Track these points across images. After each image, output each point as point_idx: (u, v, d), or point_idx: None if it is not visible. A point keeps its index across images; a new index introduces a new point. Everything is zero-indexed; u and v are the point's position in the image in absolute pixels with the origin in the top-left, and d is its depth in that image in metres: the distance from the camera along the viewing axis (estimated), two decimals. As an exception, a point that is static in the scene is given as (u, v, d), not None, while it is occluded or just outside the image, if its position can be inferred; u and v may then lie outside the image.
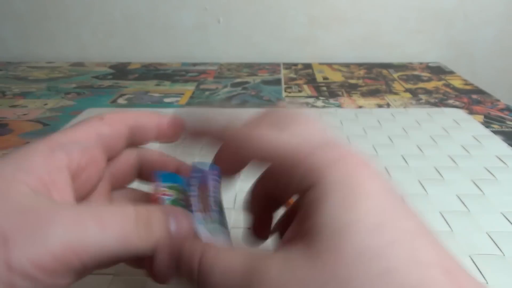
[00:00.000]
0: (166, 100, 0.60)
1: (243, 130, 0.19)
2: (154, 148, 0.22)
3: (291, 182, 0.16)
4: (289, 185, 0.16)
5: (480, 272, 0.26)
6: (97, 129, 0.19)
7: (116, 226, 0.15)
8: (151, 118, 0.21)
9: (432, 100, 0.59)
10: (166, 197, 0.19)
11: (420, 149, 0.42)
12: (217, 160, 0.20)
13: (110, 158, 0.20)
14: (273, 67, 0.77)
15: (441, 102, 0.58)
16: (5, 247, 0.13)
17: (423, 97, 0.60)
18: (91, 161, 0.18)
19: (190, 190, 0.19)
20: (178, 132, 0.21)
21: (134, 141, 0.21)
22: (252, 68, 0.77)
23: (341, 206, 0.14)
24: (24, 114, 0.54)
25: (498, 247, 0.28)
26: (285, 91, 0.63)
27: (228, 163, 0.20)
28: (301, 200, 0.16)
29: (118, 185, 0.22)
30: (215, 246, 0.17)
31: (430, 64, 0.79)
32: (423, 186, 0.36)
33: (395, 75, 0.71)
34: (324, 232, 0.14)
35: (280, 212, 0.22)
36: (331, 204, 0.14)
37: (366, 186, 0.14)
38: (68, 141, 0.17)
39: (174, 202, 0.19)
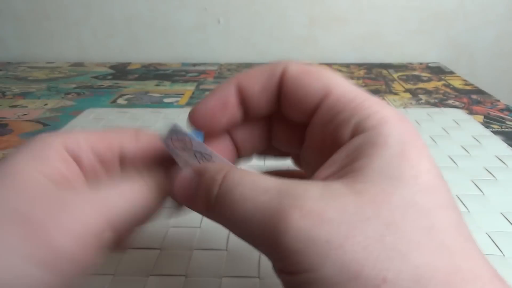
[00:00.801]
0: (166, 100, 0.60)
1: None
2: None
3: (345, 121, 0.15)
4: (342, 124, 0.15)
5: (480, 272, 0.26)
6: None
7: (131, 190, 0.17)
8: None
9: (432, 101, 0.59)
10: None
11: (420, 149, 0.42)
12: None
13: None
14: (273, 67, 0.77)
15: (441, 103, 0.58)
16: (44, 232, 0.14)
17: (423, 97, 0.60)
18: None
19: (174, 151, 0.19)
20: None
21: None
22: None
23: (400, 158, 0.14)
24: (24, 114, 0.54)
25: (498, 247, 0.28)
26: (285, 91, 0.63)
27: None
28: (352, 142, 0.15)
29: None
30: (239, 168, 0.16)
31: (430, 65, 0.79)
32: (423, 186, 0.36)
33: (395, 75, 0.71)
34: (378, 174, 0.13)
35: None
36: (390, 153, 0.14)
37: (422, 149, 0.14)
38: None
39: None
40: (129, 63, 0.80)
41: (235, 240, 0.33)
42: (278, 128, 0.20)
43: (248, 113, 0.19)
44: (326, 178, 0.15)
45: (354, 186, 0.13)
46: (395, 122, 0.15)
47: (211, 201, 0.15)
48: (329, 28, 0.81)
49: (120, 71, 0.75)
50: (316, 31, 0.81)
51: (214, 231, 0.33)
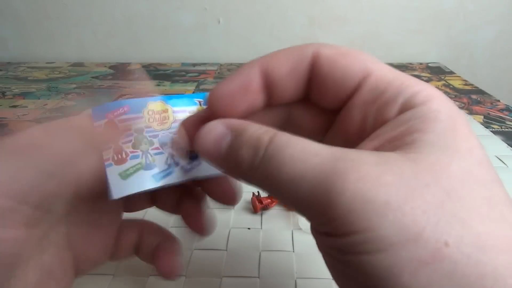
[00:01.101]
0: (166, 100, 0.60)
1: None
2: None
3: (391, 99, 0.15)
4: (388, 102, 0.15)
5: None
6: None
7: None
8: None
9: (432, 100, 0.58)
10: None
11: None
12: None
13: None
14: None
15: (441, 102, 0.58)
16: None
17: (423, 97, 0.60)
18: None
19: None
20: None
21: None
22: (252, 68, 0.77)
23: (453, 132, 0.14)
24: (24, 115, 0.54)
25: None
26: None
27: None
28: (399, 118, 0.15)
29: None
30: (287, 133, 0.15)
31: (430, 65, 0.79)
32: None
33: (395, 75, 0.71)
34: (432, 146, 0.13)
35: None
36: (442, 126, 0.14)
37: (469, 125, 0.15)
38: None
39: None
40: (129, 63, 0.80)
41: (235, 240, 0.33)
42: (299, 115, 0.19)
43: (271, 99, 0.18)
44: (377, 149, 0.15)
45: (409, 156, 0.13)
46: (441, 99, 0.15)
47: (255, 161, 0.15)
48: (329, 28, 0.81)
49: (120, 71, 0.75)
50: (316, 31, 0.81)
51: (213, 231, 0.33)
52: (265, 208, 0.36)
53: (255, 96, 0.17)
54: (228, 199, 0.22)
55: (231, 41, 0.83)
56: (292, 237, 0.32)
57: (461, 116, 0.15)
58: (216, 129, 0.16)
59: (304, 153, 0.14)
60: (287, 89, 0.17)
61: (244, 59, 0.82)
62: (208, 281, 0.28)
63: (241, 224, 0.34)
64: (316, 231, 0.14)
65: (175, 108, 0.20)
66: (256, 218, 0.35)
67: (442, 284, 0.12)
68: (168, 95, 0.20)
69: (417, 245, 0.12)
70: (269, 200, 0.36)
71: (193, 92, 0.63)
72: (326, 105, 0.18)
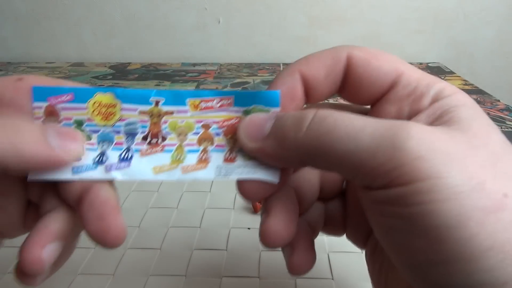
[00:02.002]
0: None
1: None
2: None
3: (424, 93, 0.17)
4: (421, 96, 0.17)
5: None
6: None
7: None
8: None
9: (432, 100, 0.59)
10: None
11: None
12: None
13: None
14: (273, 67, 0.77)
15: (441, 102, 0.58)
16: None
17: (423, 97, 0.60)
18: None
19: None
20: None
21: None
22: (252, 68, 0.77)
23: (481, 115, 0.16)
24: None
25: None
26: (285, 91, 0.63)
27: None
28: (433, 106, 0.16)
29: None
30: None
31: (430, 64, 0.79)
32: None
33: (395, 75, 0.71)
34: (470, 122, 0.15)
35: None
36: (472, 111, 0.16)
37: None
38: None
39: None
40: (129, 63, 0.80)
41: (235, 240, 0.33)
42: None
43: (308, 100, 0.19)
44: None
45: (453, 127, 0.15)
46: (463, 93, 0.17)
47: (302, 128, 0.15)
48: (329, 28, 0.81)
49: (120, 71, 0.75)
50: (316, 31, 0.81)
51: (214, 231, 0.33)
52: (265, 208, 0.36)
53: (299, 102, 0.19)
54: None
55: (231, 41, 0.83)
56: (292, 237, 0.32)
57: (478, 106, 0.17)
58: (258, 116, 0.18)
59: (357, 116, 0.15)
60: (324, 92, 0.19)
61: (244, 59, 0.82)
62: (208, 281, 0.28)
63: (241, 224, 0.34)
64: (370, 188, 0.14)
65: (125, 105, 0.18)
66: (256, 218, 0.35)
67: (506, 231, 0.12)
68: (122, 88, 0.18)
69: (481, 195, 0.12)
70: (269, 200, 0.36)
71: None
72: (358, 102, 0.19)
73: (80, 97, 0.18)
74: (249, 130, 0.17)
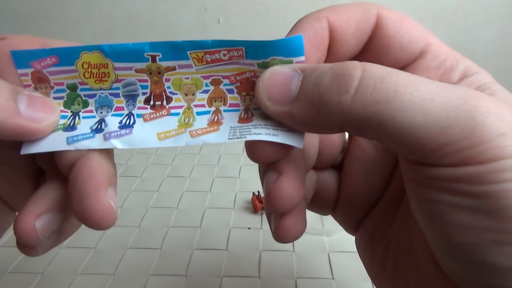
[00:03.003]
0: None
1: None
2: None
3: (454, 67, 0.17)
4: (451, 69, 0.17)
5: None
6: None
7: None
8: None
9: (432, 100, 0.58)
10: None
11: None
12: None
13: None
14: (273, 67, 0.77)
15: (441, 102, 0.58)
16: None
17: (423, 97, 0.60)
18: None
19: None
20: None
21: None
22: (252, 68, 0.77)
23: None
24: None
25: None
26: (285, 91, 0.63)
27: None
28: (465, 80, 0.17)
29: None
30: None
31: (430, 64, 0.79)
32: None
33: (395, 75, 0.71)
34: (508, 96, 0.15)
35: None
36: (501, 88, 0.16)
37: None
38: None
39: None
40: (129, 63, 0.80)
41: (236, 240, 0.33)
42: None
43: (330, 56, 0.17)
44: None
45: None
46: (486, 71, 0.17)
47: (349, 90, 0.13)
48: (329, 28, 0.81)
49: (120, 71, 0.75)
50: (316, 31, 0.81)
51: (214, 231, 0.33)
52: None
53: (322, 56, 0.16)
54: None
55: (231, 41, 0.83)
56: (292, 237, 0.32)
57: None
58: (280, 70, 0.15)
59: (420, 79, 0.13)
60: (349, 48, 0.17)
61: (244, 59, 0.82)
62: (208, 281, 0.28)
63: (242, 224, 0.34)
64: (432, 165, 0.13)
65: (118, 64, 0.16)
66: (256, 218, 0.35)
67: None
68: (109, 44, 0.16)
69: None
70: (269, 200, 0.36)
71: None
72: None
73: (65, 59, 0.16)
74: (272, 90, 0.15)
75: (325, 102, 0.13)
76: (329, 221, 0.32)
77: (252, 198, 0.36)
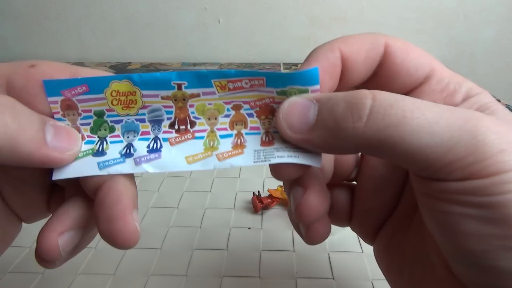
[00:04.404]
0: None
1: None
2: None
3: (457, 89, 0.18)
4: (455, 91, 0.18)
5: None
6: None
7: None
8: None
9: (432, 100, 0.58)
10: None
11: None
12: None
13: None
14: (273, 67, 0.77)
15: (441, 102, 0.58)
16: None
17: (423, 97, 0.60)
18: None
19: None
20: None
21: None
22: (252, 68, 0.77)
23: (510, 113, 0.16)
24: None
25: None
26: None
27: None
28: (468, 102, 0.17)
29: None
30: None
31: (430, 64, 0.79)
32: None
33: (395, 75, 0.71)
34: (507, 115, 0.16)
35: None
36: (501, 107, 0.17)
37: None
38: None
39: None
40: (129, 63, 0.80)
41: (236, 240, 0.33)
42: None
43: (342, 83, 0.18)
44: None
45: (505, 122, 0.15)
46: (487, 92, 0.18)
47: (362, 115, 0.14)
48: (329, 28, 0.81)
49: (120, 71, 0.75)
50: (316, 31, 0.81)
51: (214, 231, 0.33)
52: (266, 207, 0.36)
53: (335, 83, 0.18)
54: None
55: (231, 41, 0.83)
56: (292, 236, 0.32)
57: None
58: (298, 101, 0.16)
59: (424, 103, 0.14)
60: (359, 75, 0.18)
61: (244, 58, 0.82)
62: (208, 281, 0.28)
63: (242, 223, 0.34)
64: (440, 180, 0.14)
65: (145, 92, 0.17)
66: (256, 217, 0.35)
67: None
68: (138, 74, 0.17)
69: None
70: (269, 200, 0.36)
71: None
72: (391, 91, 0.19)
73: (95, 87, 0.17)
74: (291, 120, 0.16)
75: (340, 128, 0.15)
76: (329, 221, 0.32)
77: (252, 198, 0.36)
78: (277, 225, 0.34)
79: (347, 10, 0.79)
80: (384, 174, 0.20)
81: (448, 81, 0.18)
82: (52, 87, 0.16)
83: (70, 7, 0.81)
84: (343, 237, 0.32)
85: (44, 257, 0.16)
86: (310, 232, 0.19)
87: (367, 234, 0.22)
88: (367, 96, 0.15)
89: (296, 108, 0.16)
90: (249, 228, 0.34)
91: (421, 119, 0.14)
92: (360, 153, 0.21)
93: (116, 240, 0.15)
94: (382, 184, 0.20)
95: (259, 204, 0.35)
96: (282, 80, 0.17)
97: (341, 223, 0.22)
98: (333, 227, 0.24)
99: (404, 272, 0.19)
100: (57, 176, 0.16)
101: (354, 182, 0.22)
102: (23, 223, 0.20)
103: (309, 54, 0.18)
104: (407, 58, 0.18)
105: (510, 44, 0.82)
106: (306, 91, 0.16)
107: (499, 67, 0.84)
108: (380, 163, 0.20)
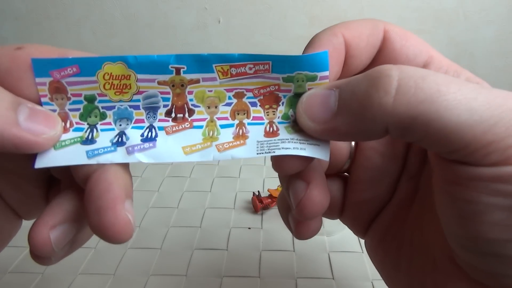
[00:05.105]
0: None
1: None
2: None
3: (458, 76, 0.18)
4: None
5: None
6: None
7: None
8: None
9: (432, 100, 0.58)
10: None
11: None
12: None
13: None
14: (273, 67, 0.77)
15: (441, 102, 0.58)
16: None
17: (423, 97, 0.60)
18: None
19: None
20: None
21: None
22: (252, 68, 0.77)
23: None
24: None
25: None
26: (285, 91, 0.63)
27: None
28: None
29: None
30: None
31: (430, 64, 0.79)
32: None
33: (395, 75, 0.71)
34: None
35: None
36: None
37: None
38: None
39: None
40: (129, 63, 0.80)
41: (236, 240, 0.33)
42: None
43: (345, 70, 0.17)
44: None
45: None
46: (485, 82, 0.17)
47: (390, 92, 0.13)
48: (329, 28, 0.81)
49: (120, 71, 0.75)
50: (316, 31, 0.81)
51: (214, 231, 0.33)
52: (266, 207, 0.36)
53: (340, 68, 0.17)
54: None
55: (231, 41, 0.83)
56: (292, 236, 0.32)
57: None
58: (316, 92, 0.15)
59: (456, 79, 0.13)
60: (361, 61, 0.17)
61: (244, 59, 0.82)
62: (208, 280, 0.28)
63: (242, 223, 0.34)
64: (473, 165, 0.13)
65: (141, 76, 0.16)
66: (256, 217, 0.35)
67: None
68: (134, 55, 0.16)
69: None
70: (269, 200, 0.36)
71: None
72: None
73: (87, 69, 0.16)
74: (313, 112, 0.15)
75: (366, 108, 0.13)
76: (330, 221, 0.32)
77: (252, 198, 0.36)
78: (277, 225, 0.34)
79: (347, 10, 0.79)
80: (380, 165, 0.19)
81: (446, 69, 0.17)
82: (41, 66, 0.15)
83: (70, 7, 0.81)
84: (343, 237, 0.32)
85: (36, 252, 0.15)
86: (301, 227, 0.18)
87: (360, 226, 0.21)
88: (391, 68, 0.13)
89: (316, 99, 0.15)
90: (249, 228, 0.34)
91: (458, 95, 0.12)
92: (353, 144, 0.20)
93: (106, 233, 0.14)
94: (378, 175, 0.19)
95: (259, 204, 0.35)
96: (290, 64, 0.16)
97: (332, 216, 0.21)
98: (334, 227, 0.24)
99: (401, 266, 0.19)
100: (40, 164, 0.15)
101: (346, 174, 0.21)
102: (23, 221, 0.20)
103: (311, 39, 0.17)
104: (406, 44, 0.17)
105: (510, 44, 0.82)
106: (314, 78, 0.16)
107: (499, 67, 0.84)
108: (376, 154, 0.19)
